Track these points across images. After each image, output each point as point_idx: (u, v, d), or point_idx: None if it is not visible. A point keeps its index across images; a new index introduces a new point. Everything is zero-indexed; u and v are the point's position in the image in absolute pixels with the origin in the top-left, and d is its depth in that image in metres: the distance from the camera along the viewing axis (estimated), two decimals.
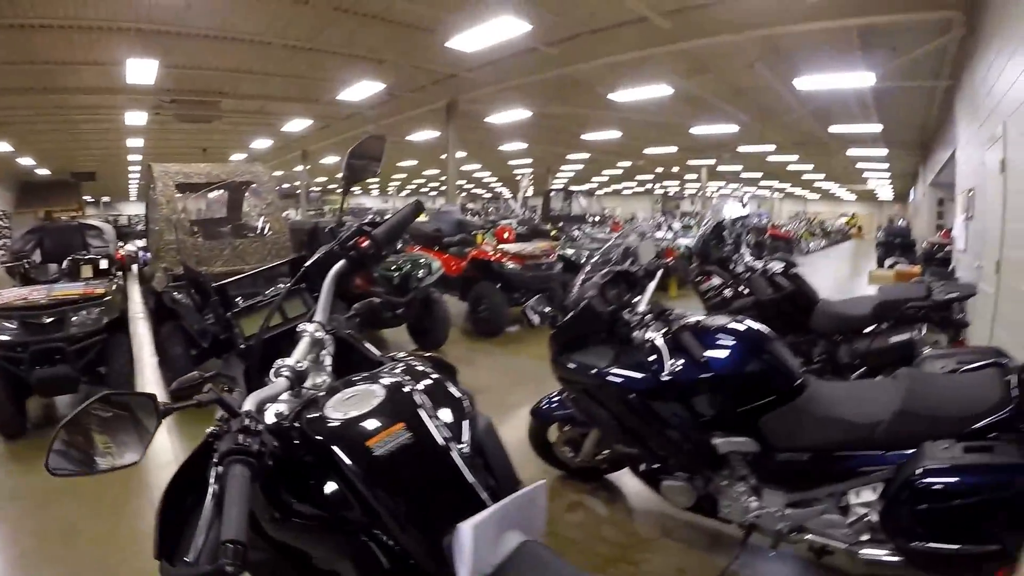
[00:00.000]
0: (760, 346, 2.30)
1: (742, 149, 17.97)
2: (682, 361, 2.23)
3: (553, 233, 10.31)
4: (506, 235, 8.63)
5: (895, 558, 1.93)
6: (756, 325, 2.41)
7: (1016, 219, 3.99)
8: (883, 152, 16.57)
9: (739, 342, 2.29)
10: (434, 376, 1.22)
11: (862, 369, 3.78)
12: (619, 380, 2.33)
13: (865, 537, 2.01)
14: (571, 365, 2.49)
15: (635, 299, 2.53)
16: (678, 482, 2.38)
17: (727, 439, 2.19)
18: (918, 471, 1.81)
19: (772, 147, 17.51)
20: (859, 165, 20.63)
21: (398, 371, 1.20)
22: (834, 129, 13.09)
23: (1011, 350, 3.50)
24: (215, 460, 0.86)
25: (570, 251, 8.42)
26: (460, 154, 19.06)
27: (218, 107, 12.43)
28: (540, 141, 18.21)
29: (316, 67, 10.11)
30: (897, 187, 26.91)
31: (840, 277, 13.00)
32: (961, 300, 4.45)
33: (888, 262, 12.63)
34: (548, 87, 11.27)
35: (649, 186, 35.10)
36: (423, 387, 1.15)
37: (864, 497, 2.00)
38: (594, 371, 2.40)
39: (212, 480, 0.87)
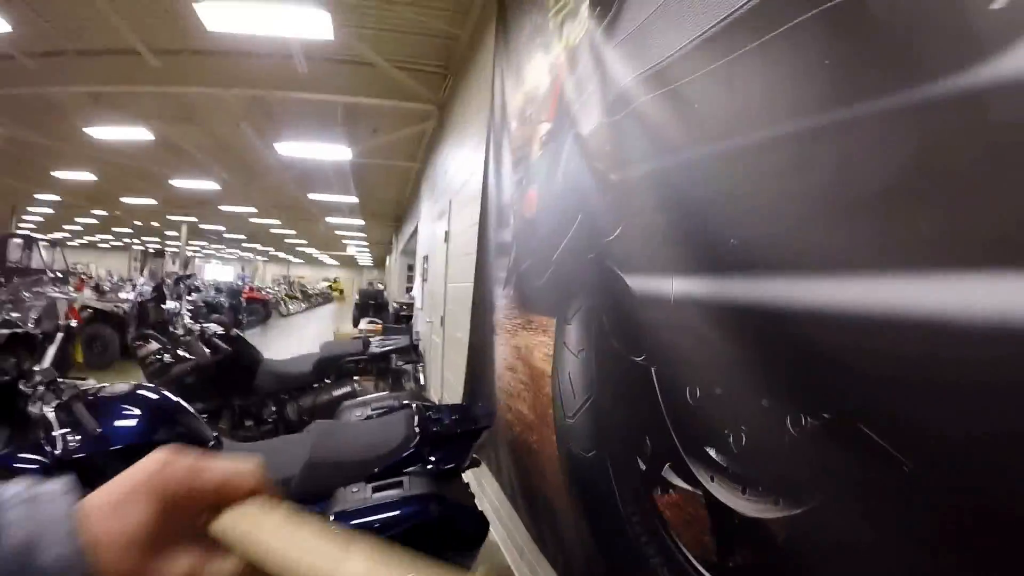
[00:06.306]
0: (163, 411, 2.18)
1: (224, 208, 17.43)
2: (78, 436, 1.95)
3: None
4: None
5: None
6: (157, 391, 2.27)
7: (455, 280, 4.79)
8: (360, 222, 18.24)
9: (140, 410, 2.12)
10: None
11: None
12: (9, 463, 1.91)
13: None
14: None
15: (34, 367, 2.18)
16: None
17: None
18: (331, 518, 1.84)
19: (254, 209, 17.52)
20: (339, 232, 22.37)
21: None
22: (314, 196, 13.75)
23: (456, 389, 4.14)
24: None
25: (16, 314, 6.52)
26: None
27: None
28: (3, 172, 14.01)
29: None
30: (376, 254, 30.28)
31: (313, 336, 13.64)
32: (397, 352, 5.09)
33: (363, 322, 13.88)
34: (21, 106, 8.69)
35: (128, 241, 31.06)
36: None
37: None
38: None
39: None
